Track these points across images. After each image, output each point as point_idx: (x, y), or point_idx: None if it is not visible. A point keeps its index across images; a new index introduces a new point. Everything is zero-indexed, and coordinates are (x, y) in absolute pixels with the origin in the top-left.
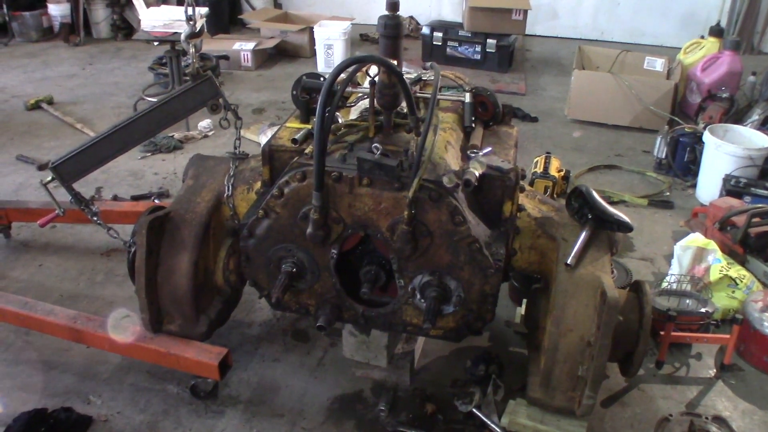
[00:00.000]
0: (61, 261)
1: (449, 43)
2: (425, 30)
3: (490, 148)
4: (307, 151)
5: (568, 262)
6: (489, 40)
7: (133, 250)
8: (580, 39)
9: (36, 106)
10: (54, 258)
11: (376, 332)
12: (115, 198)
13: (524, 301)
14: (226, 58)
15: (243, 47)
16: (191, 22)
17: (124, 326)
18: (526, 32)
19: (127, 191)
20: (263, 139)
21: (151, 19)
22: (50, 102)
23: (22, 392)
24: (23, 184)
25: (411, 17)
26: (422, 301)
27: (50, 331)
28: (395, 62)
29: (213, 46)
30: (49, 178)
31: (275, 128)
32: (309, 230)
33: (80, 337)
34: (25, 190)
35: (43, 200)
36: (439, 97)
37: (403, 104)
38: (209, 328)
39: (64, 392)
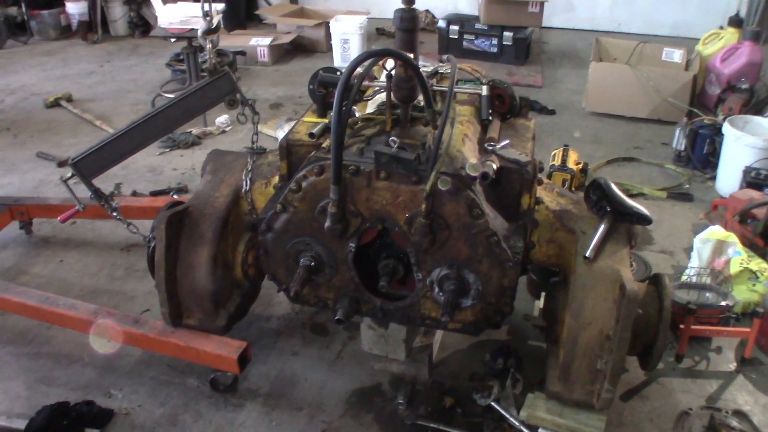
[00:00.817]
0: (82, 256)
1: (465, 36)
2: (441, 23)
3: (507, 141)
4: (324, 145)
5: (587, 255)
6: (505, 33)
7: (152, 245)
8: (597, 31)
9: (55, 104)
10: (74, 253)
11: (394, 326)
12: (134, 193)
13: (543, 294)
14: (242, 53)
15: (259, 43)
16: (208, 18)
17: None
18: (543, 24)
19: (146, 187)
20: (280, 134)
21: (168, 16)
22: (69, 99)
23: (44, 385)
24: (43, 180)
25: (427, 10)
26: (440, 294)
27: (71, 325)
28: (412, 55)
29: (230, 41)
30: (69, 175)
31: (292, 123)
32: (327, 224)
33: None
34: (46, 187)
35: (64, 196)
36: (456, 90)
37: (420, 97)
38: (228, 321)
39: (85, 385)
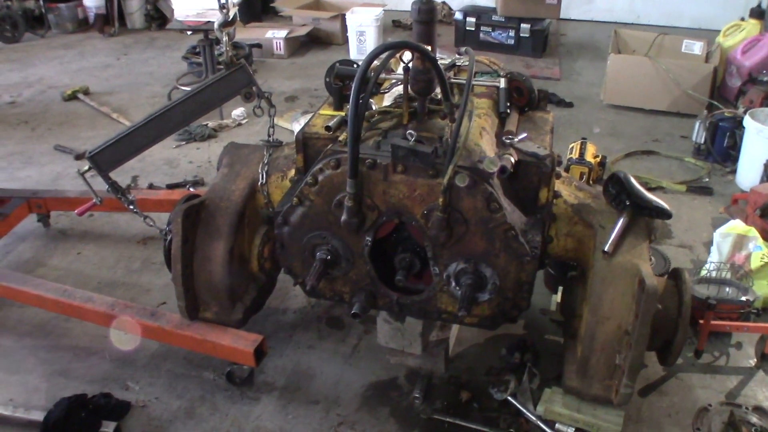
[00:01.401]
0: (99, 249)
1: (482, 28)
2: (458, 15)
3: (525, 134)
4: (341, 138)
5: (606, 249)
6: (523, 25)
7: (169, 238)
8: (616, 22)
9: (73, 97)
10: (92, 246)
11: (410, 320)
12: (151, 186)
13: (560, 288)
14: (258, 46)
15: (275, 35)
16: (224, 11)
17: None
18: (561, 16)
19: (162, 180)
20: (296, 127)
21: (184, 9)
22: (86, 92)
23: (62, 378)
24: (61, 173)
25: (444, 2)
26: (457, 288)
27: (89, 317)
28: (429, 48)
29: (246, 34)
30: (87, 168)
31: (308, 116)
32: (343, 218)
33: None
34: (63, 180)
35: (81, 189)
36: (473, 82)
37: (438, 90)
38: (245, 315)
39: (102, 378)
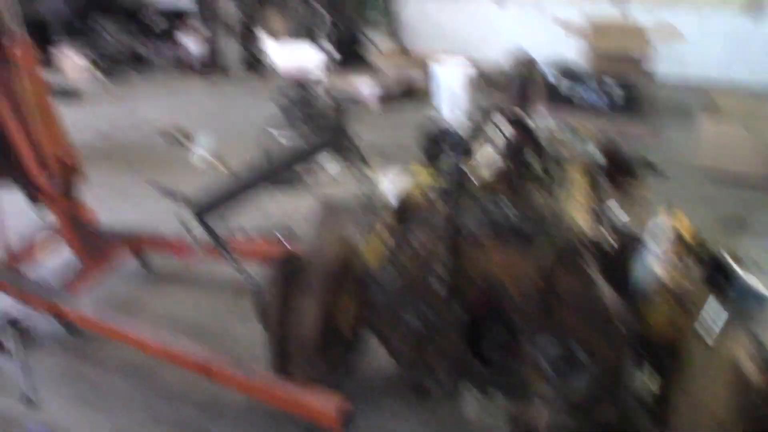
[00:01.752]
0: (191, 293)
1: (573, 87)
2: (548, 74)
3: (619, 206)
4: (438, 206)
5: (704, 336)
6: (613, 85)
7: (263, 293)
8: (710, 83)
9: (171, 137)
10: (185, 290)
11: (499, 396)
12: (241, 232)
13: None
14: (352, 99)
15: (366, 86)
16: (324, 67)
17: None
18: (652, 76)
19: (248, 222)
20: (388, 184)
21: (283, 59)
22: (184, 134)
23: (150, 420)
24: (157, 211)
25: (530, 59)
26: (549, 368)
27: (181, 364)
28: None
29: (337, 84)
30: (191, 219)
31: (400, 172)
32: (437, 287)
33: (209, 373)
34: (159, 217)
35: (178, 231)
36: (568, 150)
37: (535, 160)
38: (334, 376)
39: (187, 423)
